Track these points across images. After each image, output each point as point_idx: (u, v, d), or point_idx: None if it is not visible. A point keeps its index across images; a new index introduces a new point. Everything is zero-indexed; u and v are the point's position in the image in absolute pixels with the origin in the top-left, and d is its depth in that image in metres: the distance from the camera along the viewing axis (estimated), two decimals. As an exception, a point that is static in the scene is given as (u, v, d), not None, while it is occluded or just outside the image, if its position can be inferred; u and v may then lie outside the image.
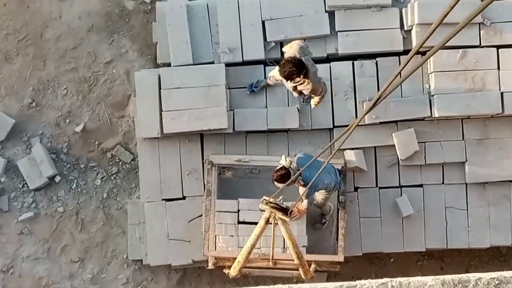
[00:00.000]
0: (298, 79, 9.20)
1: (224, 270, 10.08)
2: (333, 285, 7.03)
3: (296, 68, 9.01)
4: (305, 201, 9.62)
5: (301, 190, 9.42)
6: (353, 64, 10.83)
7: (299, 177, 9.05)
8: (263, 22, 10.86)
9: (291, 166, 9.14)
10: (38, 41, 11.77)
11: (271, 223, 9.27)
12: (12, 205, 11.53)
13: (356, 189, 10.81)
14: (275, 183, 9.17)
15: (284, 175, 9.02)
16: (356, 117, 10.63)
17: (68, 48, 11.76)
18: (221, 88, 10.51)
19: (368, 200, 10.79)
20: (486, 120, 10.72)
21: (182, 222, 10.75)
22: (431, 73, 10.57)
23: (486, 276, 6.96)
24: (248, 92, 10.77)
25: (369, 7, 10.81)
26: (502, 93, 10.52)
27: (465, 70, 10.55)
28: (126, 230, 11.38)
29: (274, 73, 9.70)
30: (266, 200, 9.13)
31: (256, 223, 9.58)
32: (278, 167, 9.17)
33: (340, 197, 10.40)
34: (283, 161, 9.29)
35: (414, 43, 10.63)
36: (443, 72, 10.54)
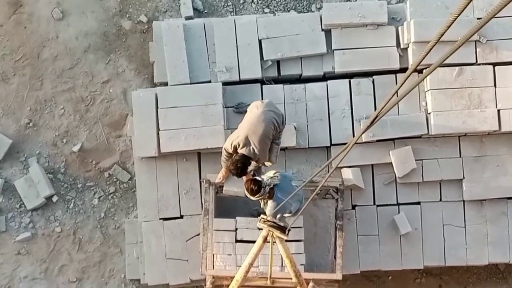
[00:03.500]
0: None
1: (222, 290, 10.09)
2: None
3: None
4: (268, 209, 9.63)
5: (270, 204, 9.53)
6: (350, 82, 10.85)
7: (273, 194, 9.22)
8: (259, 41, 10.89)
9: (267, 182, 9.19)
10: (35, 61, 11.79)
11: (269, 242, 9.28)
12: (10, 225, 11.53)
13: (353, 207, 10.82)
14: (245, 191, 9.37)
15: (253, 190, 9.10)
16: (353, 135, 10.68)
17: (65, 68, 11.78)
18: (218, 107, 10.53)
19: (365, 217, 10.80)
20: (483, 137, 10.74)
21: (179, 241, 10.75)
22: (427, 90, 10.60)
23: (485, 294, 6.98)
24: (236, 110, 10.83)
25: (365, 26, 10.86)
26: (498, 110, 10.54)
27: (462, 88, 10.58)
28: (123, 249, 11.37)
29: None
30: (263, 218, 9.16)
31: (254, 242, 9.57)
32: (254, 178, 9.25)
33: (337, 213, 10.42)
34: (265, 178, 9.37)
35: (411, 61, 10.66)
36: (439, 90, 10.57)
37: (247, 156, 9.26)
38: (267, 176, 9.45)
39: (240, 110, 10.67)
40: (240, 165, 9.13)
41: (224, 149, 9.52)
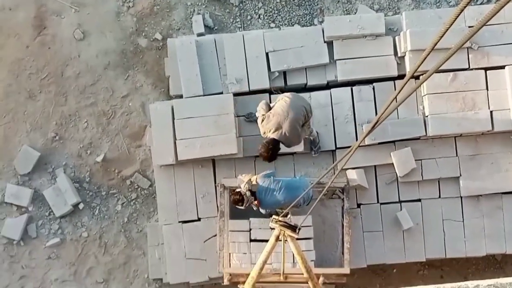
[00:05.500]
0: None
1: (238, 286, 10.07)
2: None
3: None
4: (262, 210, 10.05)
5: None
6: (351, 89, 10.84)
7: (253, 200, 9.60)
8: (267, 54, 10.89)
9: (247, 193, 9.52)
10: (59, 79, 11.82)
11: (281, 240, 9.28)
12: (40, 232, 11.55)
13: (359, 205, 10.81)
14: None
15: (236, 200, 9.56)
16: (357, 139, 10.67)
17: (87, 84, 11.81)
18: (230, 116, 10.54)
19: (370, 215, 10.79)
20: (477, 137, 10.72)
21: (198, 242, 10.75)
22: (424, 95, 10.58)
23: (484, 283, 6.95)
24: (247, 119, 10.83)
25: (365, 36, 10.86)
26: (491, 112, 10.52)
27: (456, 92, 10.57)
28: (146, 251, 11.38)
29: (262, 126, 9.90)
30: (275, 219, 9.16)
31: (267, 241, 9.56)
32: (235, 190, 9.61)
33: (343, 212, 10.43)
34: (243, 187, 9.60)
35: (408, 68, 10.65)
36: (435, 94, 10.56)
37: (277, 140, 9.45)
38: (243, 185, 9.62)
39: (251, 119, 10.68)
40: (271, 147, 9.36)
41: (263, 132, 9.74)
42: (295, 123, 9.56)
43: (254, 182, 9.73)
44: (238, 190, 9.67)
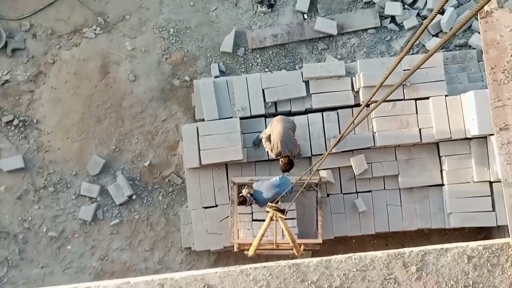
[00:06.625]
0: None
1: (244, 252, 10.04)
2: (316, 259, 6.99)
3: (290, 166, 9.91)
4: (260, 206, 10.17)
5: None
6: (322, 114, 10.81)
7: (253, 200, 9.94)
8: (263, 90, 10.89)
9: (248, 195, 9.88)
10: (118, 109, 11.83)
11: (273, 220, 9.29)
12: (105, 215, 11.54)
13: (328, 195, 10.77)
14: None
15: (241, 201, 9.96)
16: (326, 149, 10.68)
17: (137, 112, 11.81)
18: (238, 134, 10.53)
19: (336, 202, 10.75)
20: (410, 147, 10.70)
21: (216, 222, 10.72)
22: (373, 118, 10.57)
23: (416, 249, 6.93)
24: (255, 147, 10.79)
25: (331, 77, 10.87)
26: (420, 129, 10.51)
27: (395, 115, 10.56)
28: (179, 228, 11.35)
29: (267, 144, 10.15)
30: (270, 205, 9.19)
31: (264, 220, 9.58)
32: (240, 195, 10.00)
33: (317, 200, 10.42)
34: (244, 192, 9.95)
35: (362, 99, 10.64)
36: (381, 117, 10.54)
37: (289, 158, 9.91)
38: (244, 191, 9.99)
39: (257, 144, 10.75)
40: (287, 162, 9.86)
41: (270, 149, 10.12)
42: (289, 132, 9.84)
43: (248, 191, 10.01)
44: (241, 194, 9.93)
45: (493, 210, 10.43)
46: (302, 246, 9.76)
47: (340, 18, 12.13)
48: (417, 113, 10.59)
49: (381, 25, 12.18)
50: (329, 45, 12.12)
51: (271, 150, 10.04)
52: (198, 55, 12.03)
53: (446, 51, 11.89)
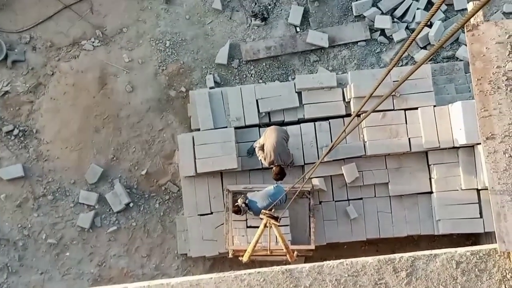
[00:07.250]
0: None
1: (239, 258, 10.04)
2: (309, 265, 7.01)
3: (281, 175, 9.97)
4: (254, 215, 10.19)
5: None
6: (314, 124, 10.84)
7: (248, 209, 9.98)
8: (256, 101, 10.92)
9: (242, 205, 9.93)
10: (116, 119, 11.82)
11: (267, 227, 9.30)
12: (103, 222, 11.52)
13: (320, 202, 10.77)
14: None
15: (236, 211, 10.02)
16: (318, 157, 10.70)
17: (134, 122, 11.81)
18: (232, 143, 10.54)
19: (328, 209, 10.76)
20: (400, 155, 10.73)
21: (211, 228, 10.70)
22: (364, 127, 10.60)
23: (406, 255, 6.96)
24: (249, 156, 10.80)
25: (323, 88, 10.91)
26: (409, 138, 10.55)
27: (385, 125, 10.59)
28: (176, 235, 11.33)
29: (260, 153, 10.18)
30: (264, 212, 9.21)
31: (258, 227, 9.58)
32: (235, 205, 10.06)
33: (310, 207, 10.43)
34: (239, 202, 10.00)
35: (353, 109, 10.67)
36: (372, 127, 10.57)
37: (281, 167, 9.94)
38: (239, 201, 10.02)
39: (251, 153, 10.73)
40: (278, 171, 9.89)
41: (263, 158, 10.13)
42: (282, 142, 9.89)
43: (242, 201, 10.05)
44: (236, 204, 9.99)
45: (481, 216, 10.47)
46: (295, 252, 9.76)
47: (331, 31, 12.20)
48: (406, 122, 10.63)
49: (371, 37, 12.25)
50: (321, 57, 12.18)
51: (265, 159, 10.07)
52: (193, 66, 12.06)
53: (434, 63, 11.97)
